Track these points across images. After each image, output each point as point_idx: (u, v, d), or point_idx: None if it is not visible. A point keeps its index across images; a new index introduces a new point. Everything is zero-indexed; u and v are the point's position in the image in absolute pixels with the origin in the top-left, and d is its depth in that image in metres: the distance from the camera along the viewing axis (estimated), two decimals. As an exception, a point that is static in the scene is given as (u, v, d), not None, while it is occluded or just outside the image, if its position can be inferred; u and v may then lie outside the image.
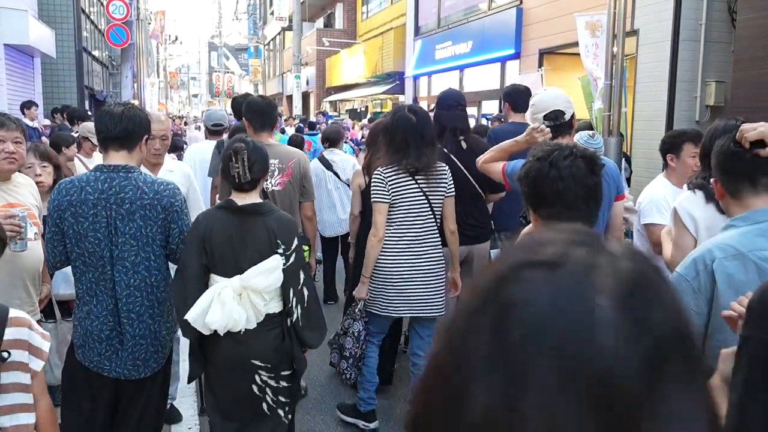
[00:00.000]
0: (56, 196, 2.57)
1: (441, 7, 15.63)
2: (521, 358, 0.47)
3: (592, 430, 0.45)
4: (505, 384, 0.46)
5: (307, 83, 26.90)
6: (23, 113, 10.76)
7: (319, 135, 9.20)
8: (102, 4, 21.35)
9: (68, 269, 2.81)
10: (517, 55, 12.02)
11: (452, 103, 3.97)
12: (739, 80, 6.91)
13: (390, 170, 3.31)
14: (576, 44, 8.32)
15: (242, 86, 53.89)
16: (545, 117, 3.03)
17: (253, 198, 2.73)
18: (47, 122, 10.88)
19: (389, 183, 3.29)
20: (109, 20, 18.99)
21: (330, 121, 13.58)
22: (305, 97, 27.12)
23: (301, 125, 12.11)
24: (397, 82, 18.94)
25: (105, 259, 2.55)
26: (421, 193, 3.35)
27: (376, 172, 3.39)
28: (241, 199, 2.68)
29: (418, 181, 3.29)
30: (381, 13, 22.73)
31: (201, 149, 5.53)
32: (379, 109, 20.73)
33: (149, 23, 33.84)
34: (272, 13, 34.16)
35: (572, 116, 3.13)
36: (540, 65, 10.94)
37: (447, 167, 3.43)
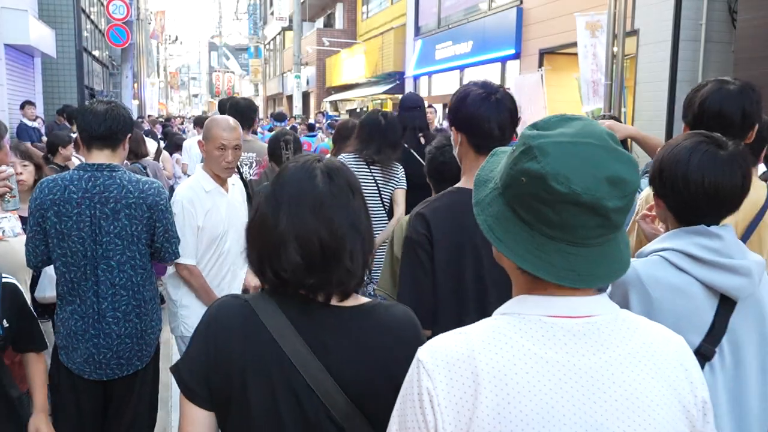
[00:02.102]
0: (38, 195, 2.54)
1: (441, 7, 15.64)
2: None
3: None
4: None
5: (308, 83, 26.90)
6: (21, 113, 10.83)
7: (318, 135, 9.24)
8: (102, 4, 21.35)
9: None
10: (517, 55, 12.03)
11: (412, 104, 4.52)
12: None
13: (350, 157, 3.85)
14: (576, 44, 8.32)
15: (243, 86, 53.90)
16: None
17: None
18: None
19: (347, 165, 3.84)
20: (109, 20, 19.00)
21: (329, 121, 13.59)
22: (305, 96, 27.12)
23: (296, 125, 12.33)
24: (398, 82, 18.94)
25: (88, 258, 2.53)
26: (373, 181, 3.87)
27: (339, 157, 4.02)
28: None
29: (372, 171, 3.81)
30: (381, 13, 22.73)
31: (196, 144, 5.76)
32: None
33: (149, 23, 33.86)
34: (272, 13, 34.18)
35: None
36: (540, 65, 10.94)
37: (401, 167, 3.99)
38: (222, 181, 3.23)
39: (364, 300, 1.36)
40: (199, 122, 5.99)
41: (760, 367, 1.52)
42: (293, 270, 1.27)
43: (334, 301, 1.31)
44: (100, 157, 2.60)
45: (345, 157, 3.89)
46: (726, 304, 1.50)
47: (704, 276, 1.50)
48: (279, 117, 11.94)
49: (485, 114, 1.92)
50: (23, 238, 3.02)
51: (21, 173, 3.48)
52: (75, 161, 5.39)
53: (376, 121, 3.82)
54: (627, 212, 0.99)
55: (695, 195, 1.51)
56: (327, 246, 1.27)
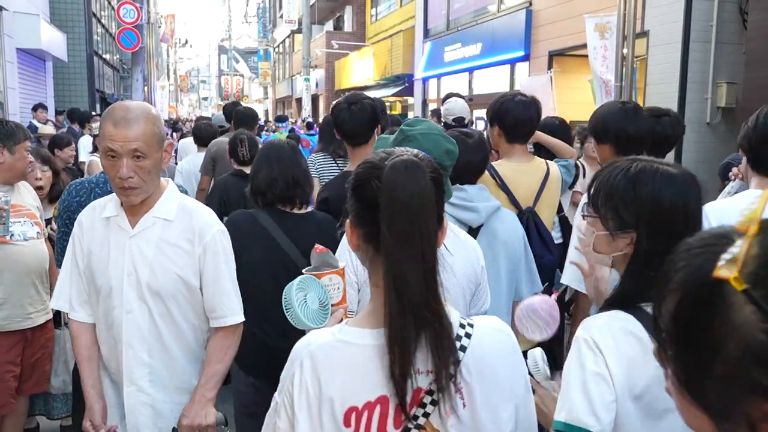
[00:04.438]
0: (66, 197, 2.65)
1: (450, 9, 15.63)
2: None
3: None
4: None
5: (317, 86, 26.95)
6: (32, 115, 10.95)
7: (317, 135, 9.32)
8: (113, 7, 21.49)
9: None
10: (526, 57, 12.00)
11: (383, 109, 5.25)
12: (751, 81, 6.87)
13: (319, 155, 4.28)
14: (586, 46, 8.30)
15: (252, 89, 54.06)
16: (453, 119, 4.65)
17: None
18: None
19: (316, 163, 4.17)
20: (119, 24, 19.12)
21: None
22: (314, 99, 27.17)
23: (295, 127, 13.02)
24: (406, 84, 18.94)
25: None
26: (340, 172, 4.45)
27: (310, 157, 4.41)
28: (246, 169, 4.13)
29: (339, 164, 4.15)
30: (390, 15, 22.75)
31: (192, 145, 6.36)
32: (388, 112, 20.74)
33: (159, 27, 34.05)
34: (281, 16, 34.27)
35: (469, 120, 5.01)
36: (549, 67, 10.91)
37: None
38: (134, 209, 2.03)
39: (309, 210, 2.78)
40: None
41: (493, 258, 2.37)
42: (279, 191, 2.66)
43: (294, 210, 2.71)
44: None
45: (315, 157, 4.29)
46: (473, 230, 2.40)
47: (452, 212, 2.36)
48: (280, 119, 13.63)
49: (340, 119, 3.06)
50: (35, 243, 3.05)
51: (40, 178, 3.58)
52: (97, 162, 5.49)
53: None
54: (452, 167, 1.94)
55: (459, 168, 2.24)
56: (293, 180, 2.68)
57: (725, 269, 0.64)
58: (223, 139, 5.13)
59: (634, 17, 6.76)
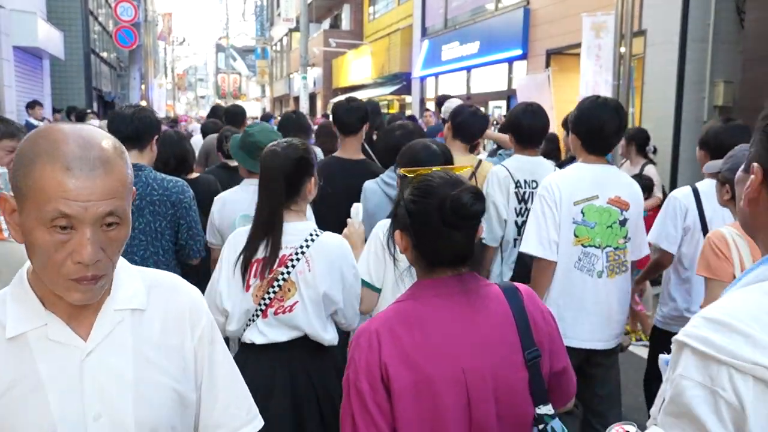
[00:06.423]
0: None
1: (448, 7, 15.63)
2: None
3: None
4: None
5: (314, 84, 26.94)
6: (28, 113, 10.92)
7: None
8: (110, 5, 21.45)
9: None
10: (524, 56, 12.01)
11: (373, 109, 5.63)
12: (748, 80, 6.88)
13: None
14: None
15: (249, 87, 53.99)
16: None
17: (234, 162, 5.19)
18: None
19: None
20: (117, 22, 19.07)
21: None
22: (312, 98, 27.17)
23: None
24: (404, 82, 18.94)
25: None
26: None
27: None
28: (231, 162, 4.64)
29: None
30: (388, 14, 22.74)
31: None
32: (385, 110, 20.71)
33: (157, 25, 34.00)
34: (279, 14, 34.23)
35: None
36: (547, 65, 10.92)
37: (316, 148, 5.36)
38: (72, 311, 1.18)
39: (196, 175, 3.93)
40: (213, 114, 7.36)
41: None
42: (172, 166, 3.55)
43: (189, 176, 3.73)
44: (129, 157, 2.66)
45: None
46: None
47: (387, 190, 3.13)
48: (265, 117, 14.18)
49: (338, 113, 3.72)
50: None
51: None
52: None
53: (290, 117, 5.08)
54: None
55: (396, 151, 2.96)
56: (179, 157, 3.71)
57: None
58: (215, 136, 5.74)
59: (631, 16, 6.77)
